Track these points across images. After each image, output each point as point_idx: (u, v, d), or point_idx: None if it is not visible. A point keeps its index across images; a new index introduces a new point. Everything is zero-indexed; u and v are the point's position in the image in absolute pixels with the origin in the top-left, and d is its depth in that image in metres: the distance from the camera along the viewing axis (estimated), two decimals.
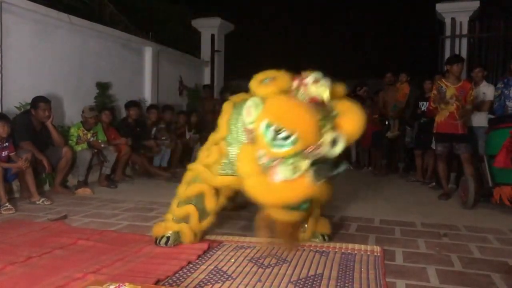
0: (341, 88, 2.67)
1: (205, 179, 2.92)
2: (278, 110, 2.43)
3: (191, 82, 9.26)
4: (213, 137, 3.02)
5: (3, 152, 4.21)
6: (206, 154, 2.99)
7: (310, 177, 2.35)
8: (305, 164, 2.36)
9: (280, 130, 2.39)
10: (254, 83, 2.59)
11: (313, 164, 2.37)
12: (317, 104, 2.44)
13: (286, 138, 2.38)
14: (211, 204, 2.90)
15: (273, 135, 2.40)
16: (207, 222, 2.95)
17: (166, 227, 2.91)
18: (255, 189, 2.47)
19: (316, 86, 2.50)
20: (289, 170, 2.38)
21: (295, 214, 2.49)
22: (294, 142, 2.36)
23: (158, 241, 2.86)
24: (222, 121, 2.89)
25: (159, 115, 6.90)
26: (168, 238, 2.84)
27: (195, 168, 3.01)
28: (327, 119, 2.43)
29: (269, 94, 2.48)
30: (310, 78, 2.51)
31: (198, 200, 2.90)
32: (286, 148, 2.38)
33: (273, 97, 2.46)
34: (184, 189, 2.98)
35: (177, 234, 2.87)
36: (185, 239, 2.88)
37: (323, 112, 2.42)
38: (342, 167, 2.56)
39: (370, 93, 7.91)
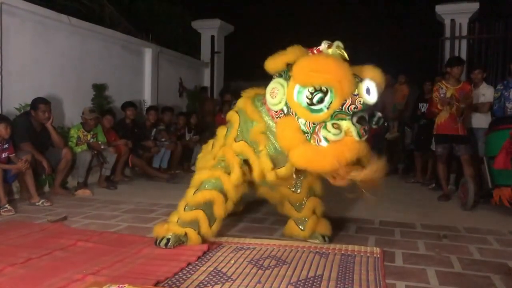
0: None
1: (220, 181, 2.86)
2: (306, 71, 2.42)
3: (191, 84, 9.27)
4: (220, 142, 3.02)
5: (3, 154, 4.21)
6: (211, 157, 3.00)
7: (355, 133, 2.36)
8: (346, 122, 2.37)
9: (313, 92, 2.41)
10: (269, 63, 2.59)
11: (353, 116, 2.36)
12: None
13: (322, 99, 2.40)
14: (220, 211, 2.85)
15: (308, 99, 2.43)
16: (216, 227, 2.91)
17: (169, 228, 2.88)
18: (304, 158, 2.48)
19: (332, 49, 2.55)
20: (333, 132, 2.38)
21: (359, 169, 2.49)
22: (330, 102, 2.39)
23: (158, 242, 2.84)
24: (234, 129, 2.91)
25: (159, 117, 6.91)
26: (168, 239, 2.83)
27: (206, 173, 2.95)
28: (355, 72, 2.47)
29: (292, 61, 2.49)
30: (323, 44, 2.57)
31: (207, 206, 2.84)
32: (324, 110, 2.41)
33: (298, 61, 2.46)
34: (193, 194, 2.89)
35: (178, 236, 2.85)
36: (192, 242, 2.85)
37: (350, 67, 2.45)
38: (378, 114, 2.50)
39: None
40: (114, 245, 2.90)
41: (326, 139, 2.40)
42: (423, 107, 6.12)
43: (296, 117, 2.51)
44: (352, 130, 2.37)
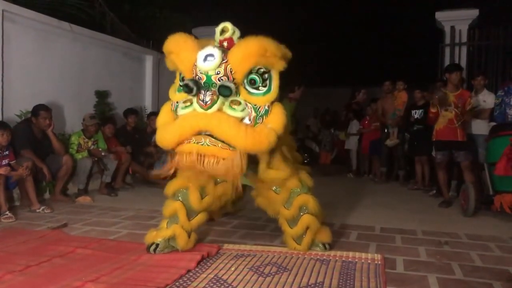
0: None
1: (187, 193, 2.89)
2: (165, 53, 2.61)
3: None
4: None
5: (4, 160, 4.21)
6: None
7: (194, 103, 2.34)
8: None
9: (180, 73, 2.54)
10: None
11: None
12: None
13: (182, 78, 2.49)
14: (194, 199, 2.84)
15: (179, 80, 2.54)
16: (196, 220, 2.90)
17: (157, 234, 2.89)
18: (158, 135, 2.50)
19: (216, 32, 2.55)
20: (182, 106, 2.39)
21: (198, 146, 2.36)
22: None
23: (147, 248, 2.86)
24: None
25: None
26: (157, 245, 2.83)
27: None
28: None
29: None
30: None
31: (183, 196, 2.88)
32: (182, 92, 2.43)
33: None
34: (170, 184, 2.96)
35: (167, 241, 2.85)
36: (180, 242, 2.83)
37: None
38: (224, 83, 2.37)
39: (369, 95, 8.00)
40: (113, 252, 2.89)
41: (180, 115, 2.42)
42: (416, 113, 6.22)
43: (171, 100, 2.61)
44: (193, 102, 2.34)
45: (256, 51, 2.38)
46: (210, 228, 3.57)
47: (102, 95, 6.43)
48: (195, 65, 2.40)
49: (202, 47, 2.43)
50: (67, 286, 2.24)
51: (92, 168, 5.37)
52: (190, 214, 2.88)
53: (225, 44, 2.48)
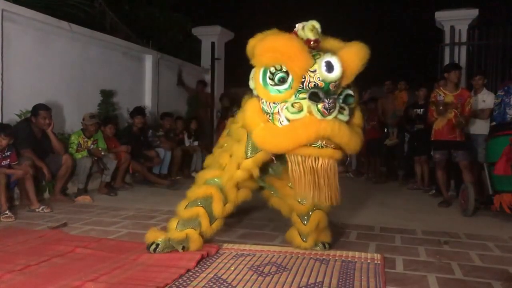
0: (338, 42, 2.66)
1: (221, 179, 2.89)
2: (259, 52, 2.44)
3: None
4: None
5: (4, 161, 4.21)
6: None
7: (314, 110, 2.30)
8: (307, 101, 2.32)
9: (275, 72, 2.42)
10: (247, 49, 2.60)
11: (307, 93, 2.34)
12: (310, 42, 2.48)
13: (283, 79, 2.40)
14: (218, 208, 2.86)
15: (271, 80, 2.43)
16: (216, 225, 2.93)
17: (162, 234, 2.88)
18: (263, 138, 2.47)
19: (303, 30, 2.53)
20: (291, 111, 2.36)
21: (318, 150, 2.41)
22: (291, 82, 2.38)
23: (148, 247, 2.85)
24: (243, 145, 2.87)
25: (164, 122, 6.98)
26: (157, 245, 2.83)
27: (208, 173, 3.00)
28: (321, 51, 2.43)
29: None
30: (298, 25, 2.56)
31: (206, 203, 2.87)
32: (285, 90, 2.39)
33: (252, 44, 2.51)
34: (193, 191, 2.94)
35: (168, 241, 2.84)
36: (193, 247, 2.84)
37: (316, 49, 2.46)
38: (347, 91, 2.46)
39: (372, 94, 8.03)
40: (112, 251, 2.89)
41: (288, 119, 2.38)
42: (417, 111, 6.18)
43: (260, 99, 2.52)
44: (312, 108, 2.32)
45: (363, 63, 2.48)
46: None
47: (107, 95, 6.43)
48: (312, 71, 2.38)
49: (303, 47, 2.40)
50: (67, 286, 2.24)
51: (91, 168, 5.36)
52: (211, 220, 2.89)
53: (313, 44, 2.50)
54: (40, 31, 5.45)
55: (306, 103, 2.33)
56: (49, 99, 5.31)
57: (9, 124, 4.60)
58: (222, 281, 2.39)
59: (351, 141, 2.41)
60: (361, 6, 12.42)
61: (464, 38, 7.42)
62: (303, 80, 2.38)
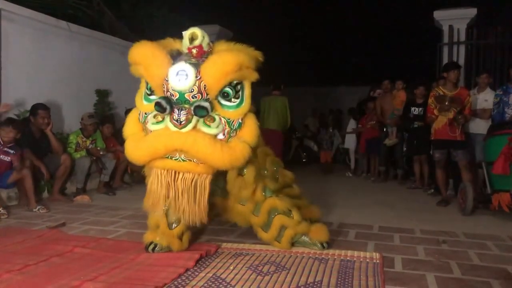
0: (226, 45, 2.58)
1: None
2: (130, 60, 2.47)
3: None
4: None
5: (5, 156, 4.22)
6: None
7: (167, 121, 2.28)
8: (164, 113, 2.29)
9: (147, 82, 2.44)
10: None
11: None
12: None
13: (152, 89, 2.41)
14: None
15: (146, 89, 2.45)
16: (179, 228, 2.82)
17: (155, 235, 2.88)
18: (128, 149, 2.44)
19: (184, 38, 2.47)
20: (153, 122, 2.34)
21: (175, 163, 2.36)
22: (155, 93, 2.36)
23: (146, 247, 2.85)
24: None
25: None
26: (155, 244, 2.83)
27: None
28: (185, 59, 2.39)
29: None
30: (183, 33, 2.49)
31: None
32: (153, 100, 2.36)
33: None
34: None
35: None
36: (174, 247, 2.82)
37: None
38: (199, 103, 2.31)
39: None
40: (111, 251, 2.89)
41: (152, 127, 2.38)
42: (415, 111, 6.17)
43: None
44: (166, 119, 2.30)
45: (232, 68, 2.35)
46: (208, 227, 3.56)
47: (102, 94, 6.42)
48: (166, 81, 2.33)
49: (169, 54, 2.37)
50: (66, 285, 2.24)
51: (90, 167, 5.36)
52: (170, 224, 2.83)
53: (194, 51, 2.43)
54: (38, 31, 5.44)
55: (167, 117, 2.29)
56: (48, 98, 5.30)
57: (18, 119, 4.61)
58: (221, 281, 2.38)
59: (214, 155, 2.30)
60: (360, 5, 12.41)
61: (462, 37, 7.41)
62: (164, 89, 2.35)
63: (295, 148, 10.59)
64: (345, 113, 10.71)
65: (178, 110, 2.26)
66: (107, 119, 6.06)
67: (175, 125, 2.27)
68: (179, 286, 2.30)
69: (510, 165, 4.00)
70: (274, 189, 2.97)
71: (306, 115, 11.75)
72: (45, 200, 4.85)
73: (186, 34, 2.47)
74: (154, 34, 8.73)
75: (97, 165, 5.48)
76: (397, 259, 2.85)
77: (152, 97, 2.45)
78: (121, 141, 5.99)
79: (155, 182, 2.42)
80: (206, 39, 2.48)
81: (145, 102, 2.48)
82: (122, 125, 6.34)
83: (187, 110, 2.27)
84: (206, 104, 2.30)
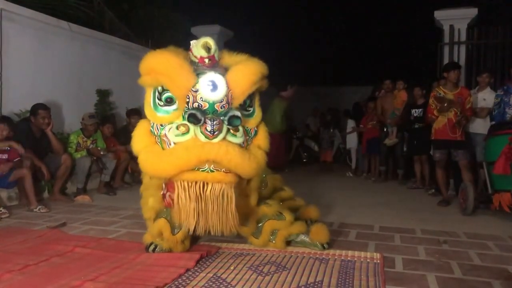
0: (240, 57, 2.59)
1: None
2: (143, 72, 2.42)
3: None
4: None
5: (4, 154, 4.22)
6: None
7: (198, 132, 2.23)
8: (191, 124, 2.24)
9: (162, 92, 2.37)
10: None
11: (185, 114, 2.24)
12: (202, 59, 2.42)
13: (171, 100, 2.35)
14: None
15: (159, 100, 2.37)
16: (182, 233, 2.76)
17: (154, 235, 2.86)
18: (146, 162, 2.37)
19: (196, 47, 2.45)
20: (175, 133, 2.29)
21: (205, 174, 2.31)
22: (177, 104, 2.32)
23: (146, 248, 2.84)
24: None
25: None
26: (156, 245, 2.82)
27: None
28: (215, 69, 2.37)
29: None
30: (192, 42, 2.48)
31: (167, 213, 2.79)
32: (173, 111, 2.33)
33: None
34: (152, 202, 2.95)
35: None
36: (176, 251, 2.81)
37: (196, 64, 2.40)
38: (232, 113, 2.30)
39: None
40: (111, 251, 2.89)
41: (174, 140, 2.33)
42: (416, 112, 6.19)
43: (149, 120, 2.47)
44: (196, 130, 2.26)
45: (258, 78, 2.39)
46: None
47: (103, 94, 6.42)
48: (194, 91, 2.31)
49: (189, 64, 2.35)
50: (66, 285, 2.24)
51: (91, 167, 5.36)
52: (173, 229, 2.80)
53: (207, 61, 2.44)
54: (39, 31, 5.44)
55: (196, 128, 2.26)
56: (48, 98, 5.30)
57: (11, 117, 4.61)
58: (221, 281, 2.38)
59: (244, 164, 2.30)
60: (360, 5, 12.42)
61: (463, 37, 7.41)
62: (188, 100, 2.32)
63: (296, 148, 10.60)
64: (340, 113, 10.70)
65: (211, 120, 2.23)
66: (107, 119, 6.07)
67: (207, 136, 2.24)
68: (180, 286, 2.30)
69: (510, 165, 3.99)
70: (263, 196, 2.99)
71: (307, 115, 11.76)
72: (45, 200, 4.86)
73: (199, 43, 2.46)
74: (154, 33, 8.77)
75: (97, 165, 5.48)
76: (398, 259, 2.84)
77: (166, 108, 2.39)
78: (121, 141, 6.03)
79: (183, 196, 2.36)
80: (217, 49, 2.51)
81: (159, 114, 2.41)
82: (123, 125, 6.36)
83: (219, 120, 2.26)
84: (239, 114, 2.32)
